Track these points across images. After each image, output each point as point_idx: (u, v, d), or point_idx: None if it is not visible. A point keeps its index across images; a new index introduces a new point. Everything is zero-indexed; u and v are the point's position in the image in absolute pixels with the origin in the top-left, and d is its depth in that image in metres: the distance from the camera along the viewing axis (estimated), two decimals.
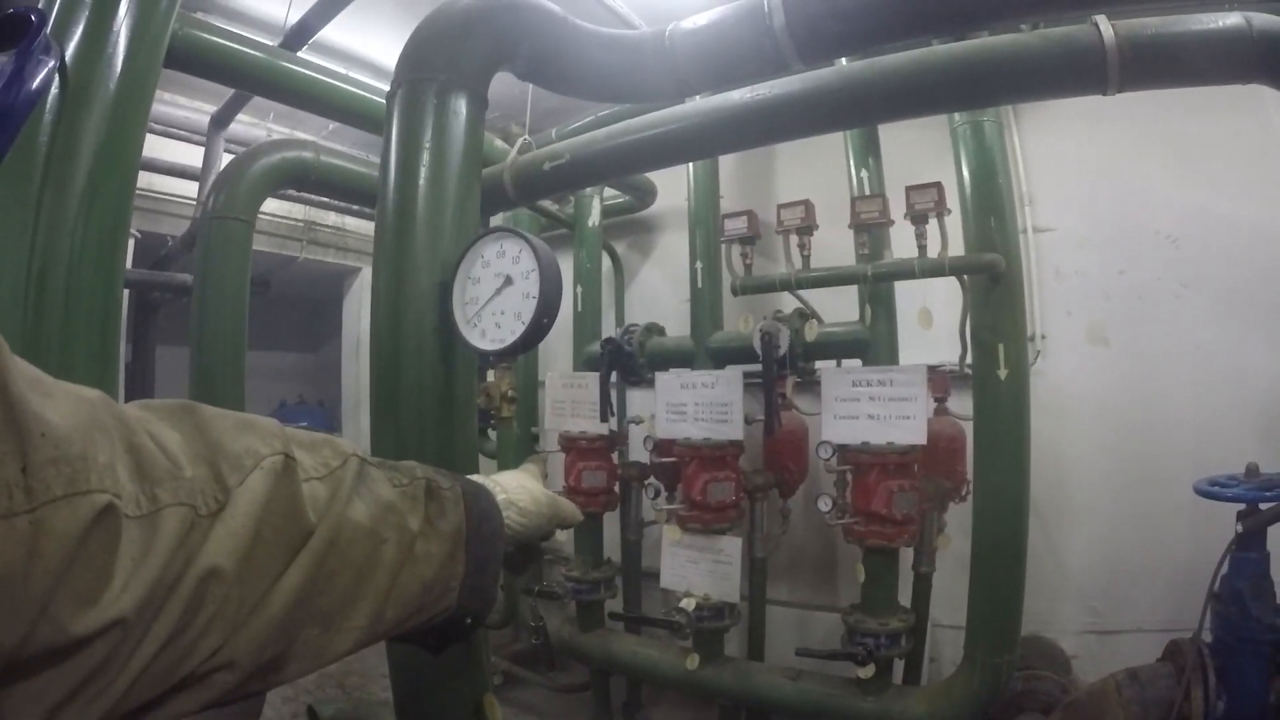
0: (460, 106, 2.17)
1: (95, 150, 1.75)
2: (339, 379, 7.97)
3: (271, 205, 5.89)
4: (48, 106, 1.68)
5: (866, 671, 3.43)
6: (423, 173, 2.08)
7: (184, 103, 5.58)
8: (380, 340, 2.05)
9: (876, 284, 3.71)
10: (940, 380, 3.98)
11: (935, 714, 3.40)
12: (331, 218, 6.97)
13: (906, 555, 3.71)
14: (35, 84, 1.49)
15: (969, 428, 3.71)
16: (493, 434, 4.84)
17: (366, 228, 7.13)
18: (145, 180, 5.42)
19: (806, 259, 3.70)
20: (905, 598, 3.72)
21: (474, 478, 1.26)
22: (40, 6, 1.75)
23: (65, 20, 1.75)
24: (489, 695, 2.11)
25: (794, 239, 3.71)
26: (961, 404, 3.86)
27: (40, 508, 0.59)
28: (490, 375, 1.98)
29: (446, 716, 2.05)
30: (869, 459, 3.41)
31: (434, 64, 2.22)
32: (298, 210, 6.59)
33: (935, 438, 3.57)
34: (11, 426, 0.59)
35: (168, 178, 5.59)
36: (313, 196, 5.69)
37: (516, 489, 1.29)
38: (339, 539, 0.88)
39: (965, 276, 3.51)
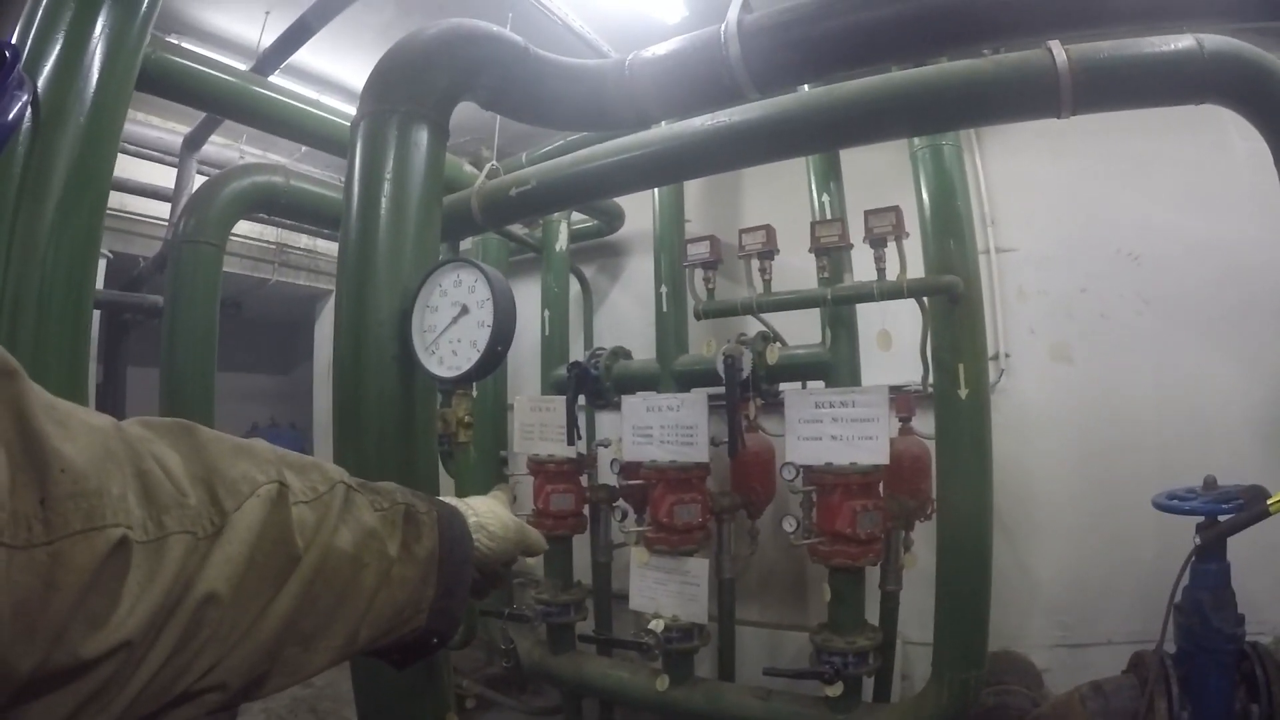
0: (421, 138, 2.22)
1: (67, 174, 1.79)
2: (310, 402, 7.97)
3: (243, 227, 5.89)
4: (20, 136, 1.72)
5: (835, 690, 3.46)
6: (384, 203, 2.13)
7: (157, 123, 5.60)
8: (343, 365, 2.08)
9: (837, 307, 3.77)
10: (904, 400, 4.05)
11: None
12: (303, 240, 6.98)
13: (874, 574, 3.75)
14: (9, 118, 1.52)
15: (934, 446, 3.76)
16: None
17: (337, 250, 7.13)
18: (117, 201, 5.43)
19: (768, 283, 3.76)
20: (874, 615, 3.77)
21: (447, 499, 1.29)
22: (14, 40, 1.79)
23: (39, 50, 1.80)
24: (450, 715, 2.13)
25: (755, 263, 3.77)
26: (926, 423, 3.91)
27: (58, 541, 0.62)
28: (452, 400, 2.01)
29: None
30: (832, 479, 3.45)
31: (395, 96, 2.27)
32: (270, 232, 6.61)
33: (900, 457, 3.63)
34: (32, 460, 0.62)
35: (140, 198, 5.59)
36: (284, 220, 5.72)
37: (487, 513, 1.32)
38: (325, 565, 0.91)
39: (925, 298, 3.57)
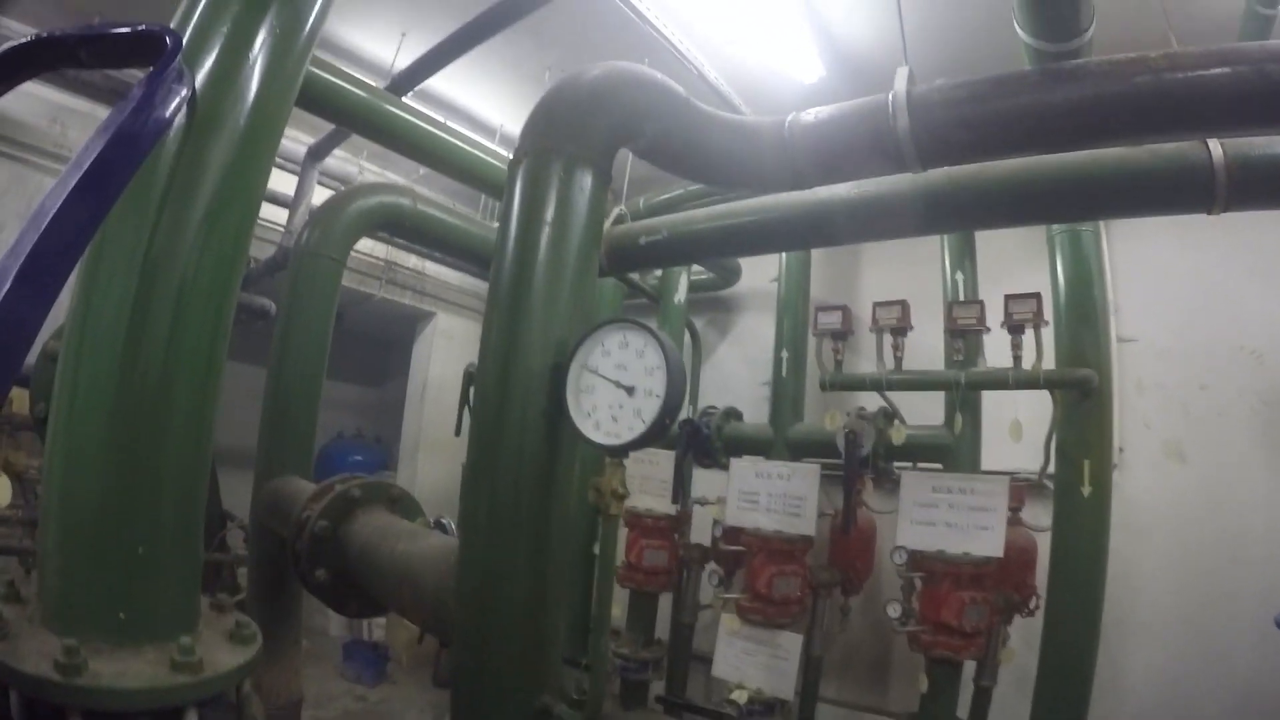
0: (585, 181, 2.15)
1: (219, 181, 1.69)
2: (399, 418, 7.99)
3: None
4: (172, 133, 1.63)
5: None
6: (543, 246, 2.05)
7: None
8: (484, 412, 2.01)
9: (968, 391, 3.63)
10: (1016, 490, 3.85)
11: None
12: (412, 260, 7.04)
13: (968, 666, 3.57)
14: (166, 112, 1.48)
15: (1040, 539, 3.59)
16: None
17: (445, 274, 7.28)
18: None
19: (899, 360, 3.64)
20: (963, 709, 3.61)
21: None
22: (174, 26, 1.72)
23: (199, 43, 1.71)
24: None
25: (888, 338, 3.66)
26: (1034, 514, 3.73)
27: None
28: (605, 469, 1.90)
29: None
30: (943, 567, 3.30)
31: (560, 136, 2.19)
32: (380, 249, 6.67)
33: (1007, 548, 3.44)
34: None
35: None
36: (394, 239, 5.76)
37: None
38: None
39: (1055, 391, 3.41)
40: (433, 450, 7.47)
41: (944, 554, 3.31)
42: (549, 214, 2.08)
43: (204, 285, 1.69)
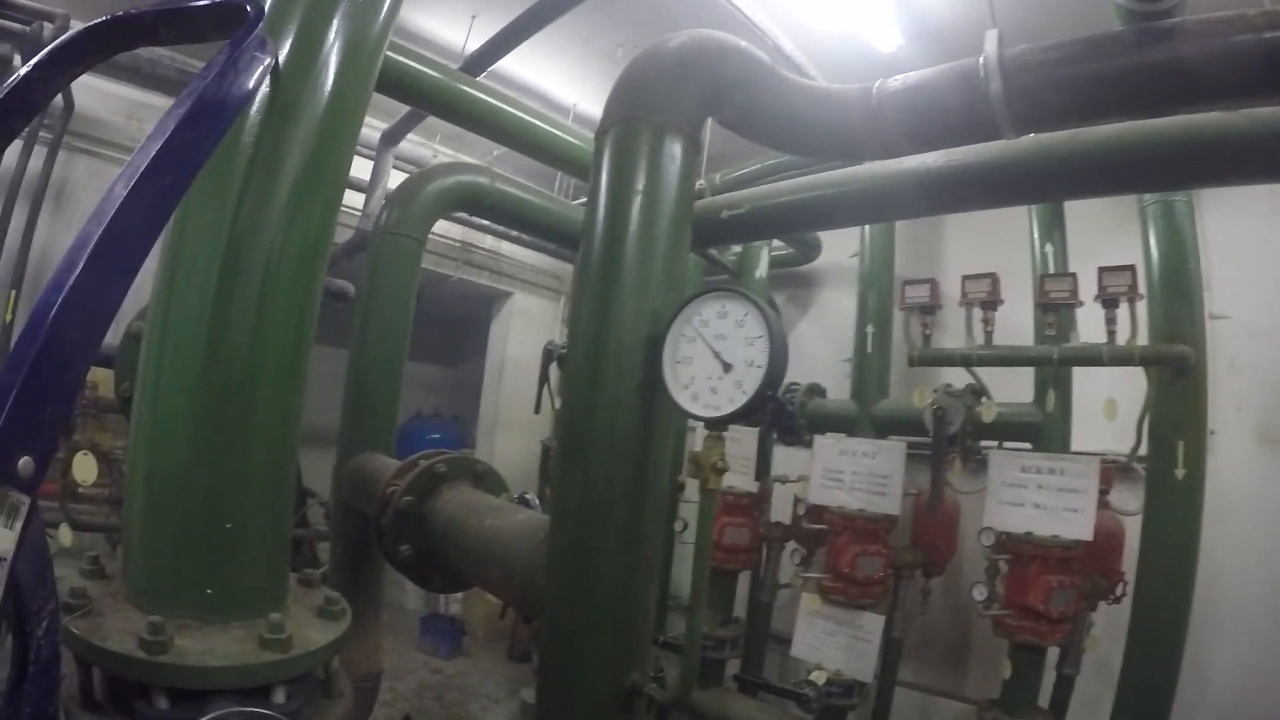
0: (675, 150, 2.10)
1: (304, 158, 1.67)
2: (477, 396, 8.08)
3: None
4: (255, 107, 1.61)
5: None
6: (634, 215, 2.01)
7: None
8: (575, 388, 1.99)
9: (1060, 368, 3.51)
10: (1105, 472, 3.72)
11: None
12: (488, 241, 7.08)
13: (1050, 654, 3.46)
14: (250, 80, 1.45)
15: (1129, 524, 3.46)
16: None
17: (522, 254, 7.31)
18: None
19: (989, 334, 3.54)
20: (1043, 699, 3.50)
21: None
22: None
23: (279, 17, 1.67)
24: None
25: (977, 313, 3.55)
26: (1121, 499, 3.60)
27: None
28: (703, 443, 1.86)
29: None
30: (1031, 550, 3.21)
31: (649, 105, 2.15)
32: (455, 230, 6.70)
33: (1095, 532, 3.33)
34: None
35: None
36: (471, 219, 5.81)
37: None
38: None
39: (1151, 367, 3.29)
40: (511, 428, 7.55)
41: (1032, 536, 3.21)
42: (640, 183, 2.04)
43: (291, 265, 1.67)
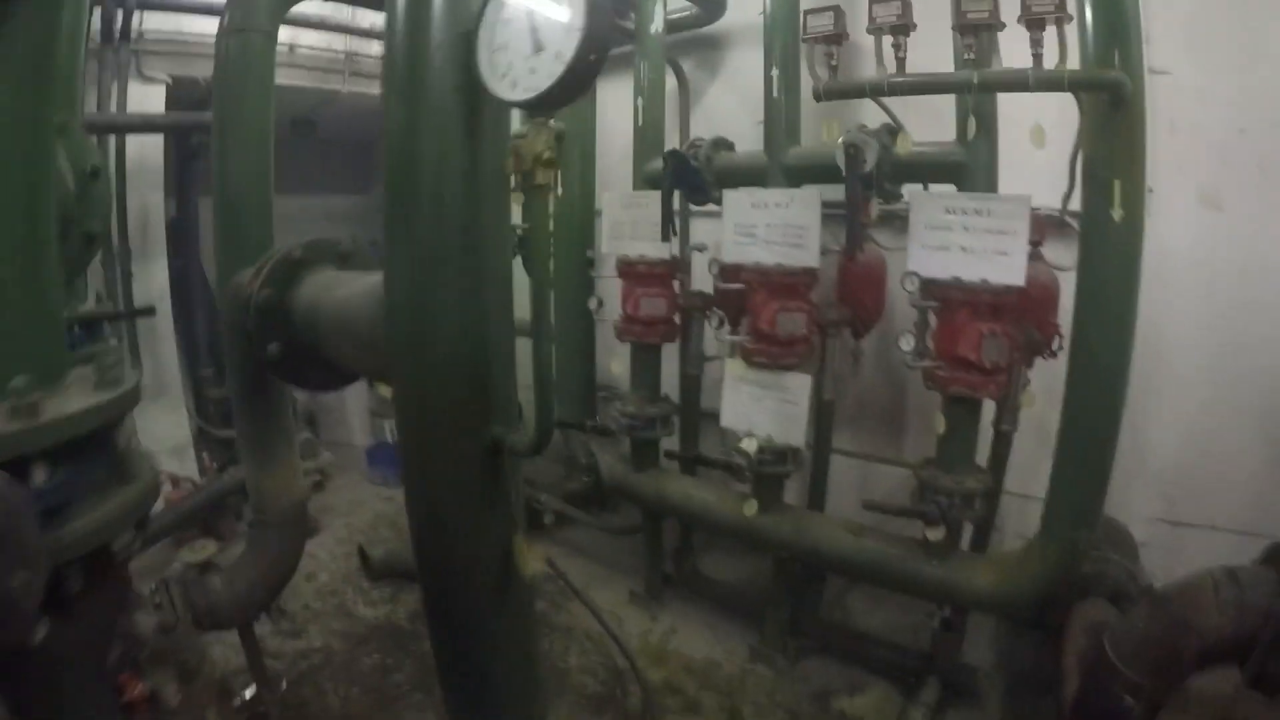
0: None
1: None
2: None
3: (310, 38, 5.63)
4: None
5: (936, 534, 3.11)
6: None
7: None
8: (392, 111, 1.70)
9: (981, 95, 3.19)
10: (1036, 222, 3.46)
11: (1002, 586, 3.09)
12: (375, 47, 6.42)
13: (986, 411, 3.32)
14: None
15: (1065, 281, 3.26)
16: None
17: None
18: (174, 23, 5.06)
19: (902, 62, 3.19)
20: (980, 458, 3.38)
21: None
22: None
23: None
24: (518, 535, 1.89)
25: (887, 39, 3.19)
26: (1055, 253, 3.41)
27: None
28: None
29: (471, 562, 1.87)
30: (960, 296, 2.99)
31: None
32: (338, 41, 6.05)
33: (1028, 284, 3.10)
34: None
35: (196, 17, 5.08)
36: (353, 25, 5.50)
37: None
38: None
39: (1082, 97, 2.98)
40: None
41: (960, 281, 2.99)
42: None
43: None
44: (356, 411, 7.17)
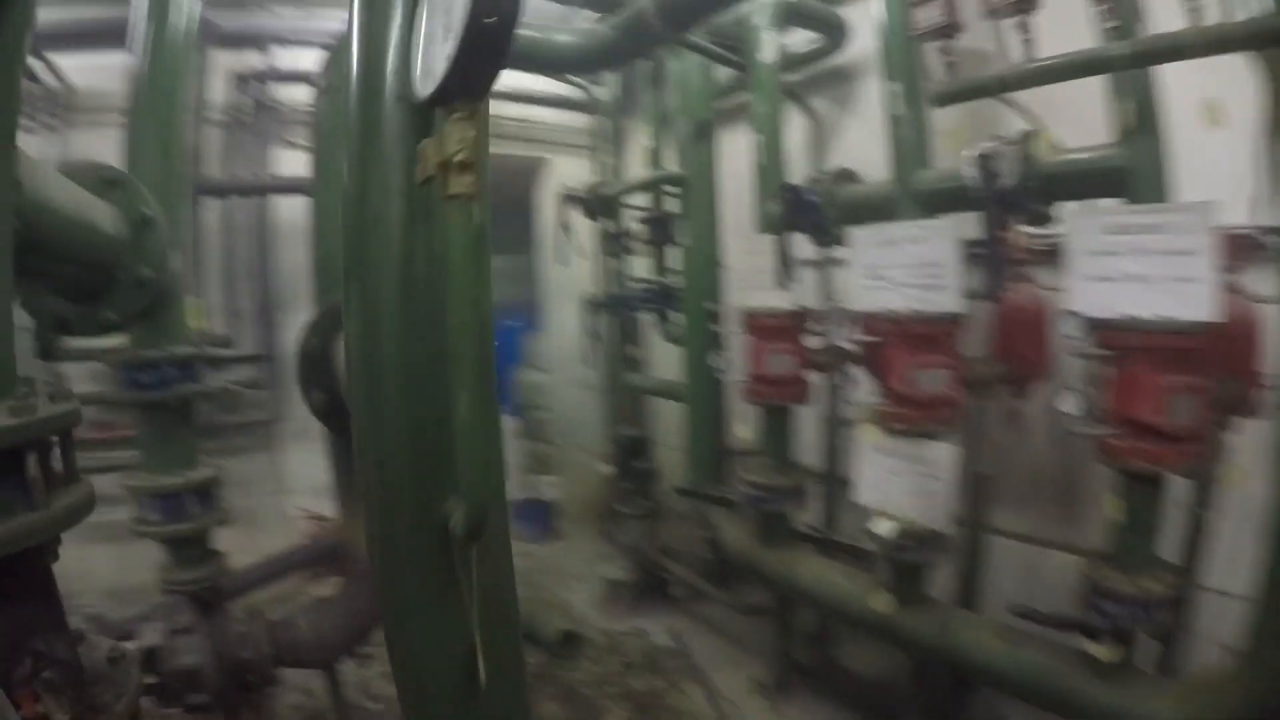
0: None
1: None
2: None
3: None
4: None
5: (1106, 654, 2.52)
6: None
7: None
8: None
9: (1138, 77, 2.56)
10: (1231, 242, 2.75)
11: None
12: (509, 108, 6.58)
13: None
14: None
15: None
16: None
17: (553, 117, 7.03)
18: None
19: (1028, 44, 2.64)
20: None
21: None
22: None
23: None
24: (476, 637, 1.69)
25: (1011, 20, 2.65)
26: (1251, 280, 2.66)
27: None
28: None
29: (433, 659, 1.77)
30: (1133, 340, 2.39)
31: None
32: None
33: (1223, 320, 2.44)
34: None
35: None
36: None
37: None
38: None
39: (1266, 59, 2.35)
40: (573, 295, 7.07)
41: (1133, 320, 2.38)
42: None
43: None
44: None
